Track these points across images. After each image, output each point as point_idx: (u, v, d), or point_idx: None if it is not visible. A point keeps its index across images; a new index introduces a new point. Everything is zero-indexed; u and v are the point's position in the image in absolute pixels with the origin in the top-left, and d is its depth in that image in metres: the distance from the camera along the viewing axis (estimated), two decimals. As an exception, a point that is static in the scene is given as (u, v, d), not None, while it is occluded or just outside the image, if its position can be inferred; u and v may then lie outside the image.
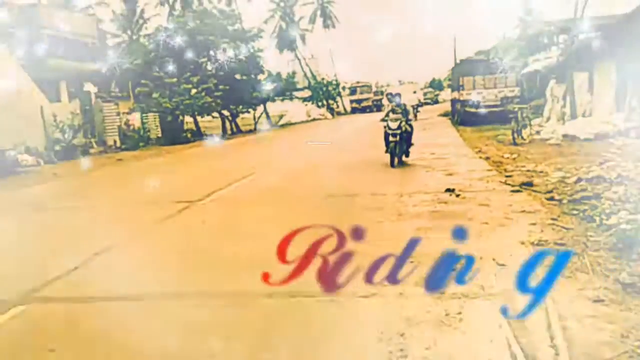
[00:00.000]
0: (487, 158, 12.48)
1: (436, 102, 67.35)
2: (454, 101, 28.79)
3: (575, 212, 6.69)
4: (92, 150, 22.80)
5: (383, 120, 12.36)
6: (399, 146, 11.99)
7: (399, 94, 12.85)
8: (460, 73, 26.21)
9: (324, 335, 3.82)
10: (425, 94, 66.49)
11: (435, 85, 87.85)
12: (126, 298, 4.83)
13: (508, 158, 12.20)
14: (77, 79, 25.94)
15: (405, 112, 12.27)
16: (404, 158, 12.40)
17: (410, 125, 12.53)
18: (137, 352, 3.78)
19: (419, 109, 35.17)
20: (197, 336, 3.95)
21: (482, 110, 24.16)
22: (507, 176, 9.73)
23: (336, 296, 4.40)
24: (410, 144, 12.55)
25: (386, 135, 12.16)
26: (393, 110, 12.23)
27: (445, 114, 34.39)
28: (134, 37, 38.51)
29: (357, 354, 3.52)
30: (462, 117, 24.98)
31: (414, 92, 43.05)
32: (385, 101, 14.33)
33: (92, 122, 24.55)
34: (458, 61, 30.34)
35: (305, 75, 53.17)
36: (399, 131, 11.93)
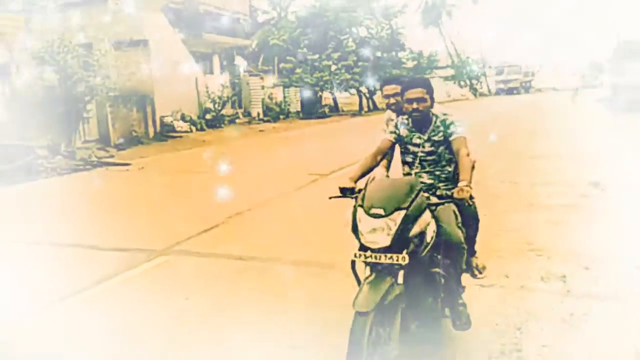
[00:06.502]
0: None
1: (593, 86, 61.76)
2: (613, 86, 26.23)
3: None
4: (237, 121, 24.34)
5: (343, 194, 3.03)
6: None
7: (425, 93, 3.18)
8: (623, 56, 23.74)
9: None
10: (581, 77, 61.27)
11: (594, 68, 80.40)
12: (261, 259, 5.21)
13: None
14: (229, 53, 27.72)
15: (437, 154, 3.24)
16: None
17: (474, 212, 3.32)
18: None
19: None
20: (288, 305, 4.15)
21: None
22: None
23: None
24: (457, 296, 3.22)
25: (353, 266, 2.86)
26: (406, 150, 3.36)
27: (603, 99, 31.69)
28: (283, 13, 40.02)
29: (464, 342, 3.45)
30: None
31: (573, 75, 40.18)
32: (387, 116, 4.23)
33: (240, 94, 26.16)
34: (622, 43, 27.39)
35: (449, 53, 51.45)
36: (401, 260, 2.60)
